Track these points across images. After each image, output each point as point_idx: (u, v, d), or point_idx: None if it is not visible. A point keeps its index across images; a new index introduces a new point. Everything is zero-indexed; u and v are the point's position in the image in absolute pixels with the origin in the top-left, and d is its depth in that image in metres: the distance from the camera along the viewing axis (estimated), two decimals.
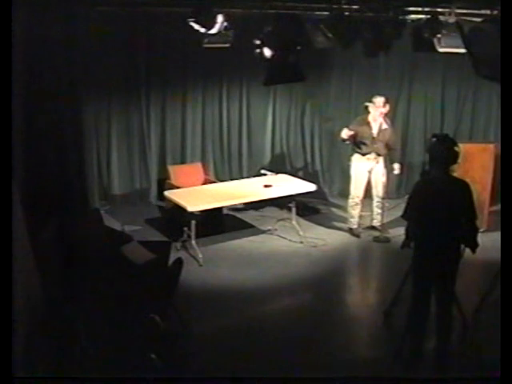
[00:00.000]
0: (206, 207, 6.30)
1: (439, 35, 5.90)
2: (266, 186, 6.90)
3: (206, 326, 4.98)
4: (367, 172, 6.92)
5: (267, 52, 5.38)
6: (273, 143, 8.62)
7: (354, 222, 7.10)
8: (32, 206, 4.25)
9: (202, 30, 5.58)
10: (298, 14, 5.74)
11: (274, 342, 4.74)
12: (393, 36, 6.01)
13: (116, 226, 6.32)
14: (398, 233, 6.13)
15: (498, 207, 6.91)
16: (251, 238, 7.01)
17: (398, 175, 8.31)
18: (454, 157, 4.13)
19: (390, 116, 7.45)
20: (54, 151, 6.79)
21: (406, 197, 4.57)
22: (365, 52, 6.25)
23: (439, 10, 6.07)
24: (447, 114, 8.58)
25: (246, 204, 7.39)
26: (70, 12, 6.27)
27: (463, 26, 4.98)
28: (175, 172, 7.63)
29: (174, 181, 7.43)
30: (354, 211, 7.04)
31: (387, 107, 6.87)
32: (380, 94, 6.96)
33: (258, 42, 5.46)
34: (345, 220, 7.34)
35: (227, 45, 6.17)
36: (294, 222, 7.01)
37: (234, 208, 7.60)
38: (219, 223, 7.22)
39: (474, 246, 4.11)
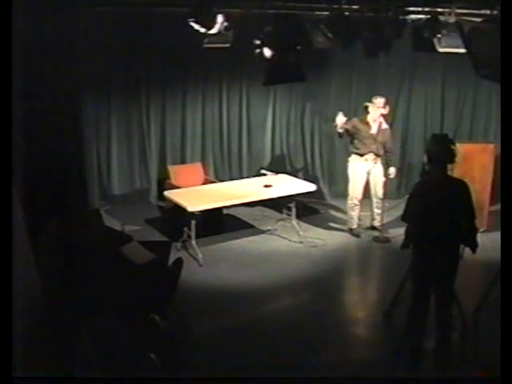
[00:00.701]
0: (205, 207, 6.30)
1: (439, 35, 5.90)
2: (266, 186, 6.90)
3: (206, 325, 4.98)
4: (366, 173, 6.91)
5: (267, 52, 5.38)
6: (273, 143, 8.62)
7: (353, 222, 7.10)
8: (32, 206, 4.25)
9: (202, 30, 5.58)
10: (298, 13, 5.75)
11: (274, 341, 4.74)
12: (393, 36, 6.01)
13: (116, 226, 6.32)
14: (398, 233, 6.12)
15: (497, 207, 6.91)
16: (251, 237, 7.01)
17: (397, 175, 8.36)
18: (451, 157, 4.13)
19: (390, 117, 7.47)
20: (54, 151, 6.78)
21: (406, 197, 4.57)
22: (365, 52, 6.26)
23: (439, 9, 6.07)
24: (447, 114, 8.58)
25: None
26: (70, 12, 6.26)
27: (463, 26, 4.99)
28: (175, 172, 7.63)
29: (174, 181, 7.43)
30: (354, 212, 7.04)
31: (387, 108, 6.87)
32: (380, 95, 6.96)
33: (258, 42, 5.47)
34: (345, 220, 7.34)
35: (227, 45, 6.17)
36: (293, 222, 7.01)
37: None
38: (219, 223, 7.22)
39: (473, 246, 4.11)
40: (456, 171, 6.70)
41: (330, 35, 5.86)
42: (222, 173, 8.46)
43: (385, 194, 7.01)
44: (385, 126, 6.91)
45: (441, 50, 5.99)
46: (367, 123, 6.81)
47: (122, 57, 7.61)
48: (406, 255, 4.42)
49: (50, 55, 6.29)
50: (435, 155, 4.10)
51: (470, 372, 4.19)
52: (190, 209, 6.12)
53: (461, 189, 4.09)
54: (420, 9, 6.23)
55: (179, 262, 4.55)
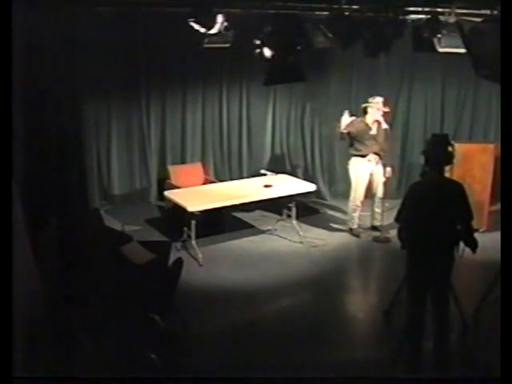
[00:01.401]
0: (206, 207, 6.30)
1: (439, 35, 5.89)
2: (266, 186, 6.90)
3: (206, 325, 4.98)
4: (368, 174, 6.90)
5: (267, 52, 5.38)
6: (273, 143, 8.62)
7: (354, 222, 7.10)
8: (32, 205, 4.25)
9: (202, 30, 5.58)
10: (297, 14, 5.74)
11: (274, 341, 4.74)
12: (393, 36, 6.01)
13: (116, 226, 6.32)
14: None
15: (497, 207, 6.91)
16: (251, 237, 7.01)
17: (398, 175, 8.37)
18: (448, 158, 4.12)
19: (390, 117, 7.46)
20: (54, 151, 6.78)
21: None
22: (365, 52, 6.25)
23: (439, 9, 6.06)
24: (447, 114, 8.58)
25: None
26: (70, 12, 6.27)
27: (463, 26, 4.98)
28: (175, 172, 7.63)
29: (174, 181, 7.43)
30: (355, 213, 7.04)
31: (387, 107, 6.87)
32: (378, 94, 6.96)
33: (258, 42, 5.46)
34: (345, 220, 7.34)
35: (227, 45, 6.17)
36: (294, 222, 7.01)
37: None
38: (219, 223, 7.22)
39: (473, 246, 4.10)
40: (456, 171, 6.74)
41: (329, 35, 5.85)
42: (222, 173, 8.46)
43: (385, 193, 7.01)
44: (384, 125, 6.90)
45: (441, 49, 5.99)
46: (367, 124, 6.81)
47: (122, 57, 7.60)
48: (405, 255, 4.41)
49: (49, 55, 6.30)
50: (432, 156, 4.09)
51: (469, 372, 4.19)
52: (190, 209, 6.12)
53: (457, 190, 4.06)
54: (420, 9, 6.22)
55: (179, 262, 4.55)
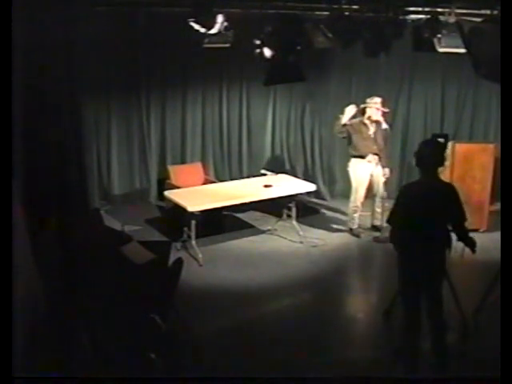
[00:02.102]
0: (206, 207, 6.30)
1: (439, 35, 5.89)
2: (266, 186, 6.90)
3: (206, 325, 4.98)
4: (369, 175, 6.90)
5: (267, 52, 5.38)
6: (273, 143, 8.62)
7: (354, 223, 7.10)
8: (32, 206, 4.25)
9: (202, 30, 5.58)
10: (298, 14, 5.75)
11: (274, 341, 4.74)
12: (393, 36, 6.01)
13: (116, 226, 6.32)
14: None
15: (497, 207, 6.91)
16: (251, 237, 7.01)
17: (398, 175, 8.37)
18: (438, 160, 4.09)
19: (390, 117, 7.46)
20: (54, 151, 6.78)
21: None
22: (365, 52, 6.25)
23: (439, 9, 6.07)
24: (447, 114, 8.57)
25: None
26: (70, 12, 6.26)
27: (463, 26, 4.98)
28: (175, 172, 7.63)
29: (174, 181, 7.43)
30: (355, 214, 7.05)
31: (386, 108, 6.87)
32: (377, 95, 6.96)
33: (258, 42, 5.46)
34: (344, 220, 7.34)
35: (227, 45, 6.17)
36: (294, 222, 7.01)
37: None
38: (219, 223, 7.22)
39: (472, 246, 4.09)
40: (456, 171, 6.76)
41: (329, 35, 5.85)
42: (222, 173, 8.46)
43: (386, 196, 7.00)
44: (384, 125, 6.90)
45: (441, 50, 5.99)
46: (365, 124, 6.80)
47: (122, 57, 7.60)
48: None
49: (49, 55, 6.29)
50: (422, 158, 4.06)
51: (469, 372, 4.19)
52: (190, 209, 6.12)
53: (449, 192, 4.03)
54: (420, 9, 6.23)
55: (179, 262, 4.55)
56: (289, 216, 7.08)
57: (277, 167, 8.09)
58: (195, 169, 7.89)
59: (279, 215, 7.20)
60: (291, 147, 8.63)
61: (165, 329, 4.32)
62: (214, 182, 7.61)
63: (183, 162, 8.21)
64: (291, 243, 6.85)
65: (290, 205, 7.00)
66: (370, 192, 7.06)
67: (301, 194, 7.48)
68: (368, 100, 6.83)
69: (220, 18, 5.62)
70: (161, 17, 6.96)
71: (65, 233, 4.73)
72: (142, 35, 7.53)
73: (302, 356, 4.51)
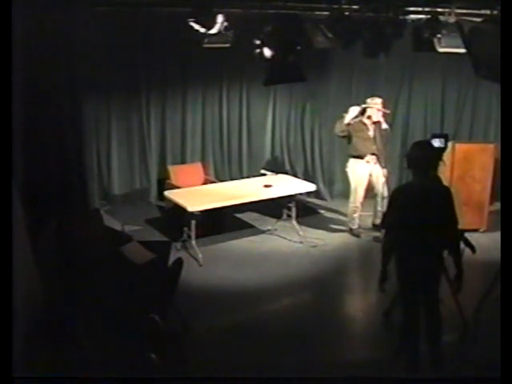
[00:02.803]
0: (206, 207, 6.30)
1: (439, 35, 5.89)
2: (266, 186, 6.90)
3: (206, 325, 4.98)
4: (367, 175, 6.90)
5: (267, 52, 5.38)
6: (273, 143, 8.62)
7: (354, 223, 7.10)
8: (32, 205, 4.25)
9: (202, 30, 5.58)
10: (298, 13, 5.75)
11: (274, 341, 4.74)
12: (393, 36, 6.01)
13: (116, 226, 6.32)
14: None
15: (497, 207, 6.91)
16: (251, 237, 7.01)
17: (398, 175, 8.36)
18: (429, 162, 4.05)
19: (390, 117, 7.46)
20: (54, 151, 6.78)
21: None
22: (365, 52, 6.25)
23: (439, 9, 6.07)
24: (447, 114, 8.57)
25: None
26: (70, 12, 6.27)
27: (463, 26, 4.98)
28: (175, 172, 7.63)
29: (174, 181, 7.43)
30: (355, 214, 7.04)
31: (386, 109, 6.87)
32: (378, 95, 6.95)
33: (258, 42, 5.46)
34: (344, 220, 7.34)
35: (227, 45, 6.17)
36: (294, 222, 7.01)
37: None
38: (219, 223, 7.22)
39: (471, 247, 4.09)
40: (456, 171, 6.75)
41: (330, 35, 5.86)
42: (222, 173, 8.46)
43: (387, 196, 6.99)
44: (384, 126, 6.90)
45: (441, 50, 5.99)
46: (365, 124, 6.80)
47: (122, 57, 7.60)
48: None
49: (49, 55, 6.30)
50: (412, 160, 4.04)
51: (470, 372, 4.19)
52: (190, 209, 6.12)
53: (442, 195, 4.00)
54: (420, 9, 6.23)
55: (179, 262, 4.55)
56: (289, 216, 7.08)
57: (277, 167, 8.09)
58: (195, 169, 7.89)
59: (279, 215, 7.21)
60: (291, 147, 8.63)
61: (165, 329, 4.32)
62: (214, 182, 7.61)
63: (183, 162, 8.20)
64: (291, 243, 6.85)
65: (290, 205, 7.00)
66: (370, 192, 7.05)
67: (301, 194, 7.48)
68: (369, 100, 6.82)
69: (220, 18, 5.62)
70: (161, 17, 6.96)
71: (65, 233, 4.73)
72: (142, 35, 7.53)
73: (302, 356, 4.50)
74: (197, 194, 6.69)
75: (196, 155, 8.30)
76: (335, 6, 5.80)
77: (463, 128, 8.60)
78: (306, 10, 6.11)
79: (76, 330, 4.13)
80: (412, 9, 6.25)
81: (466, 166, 6.78)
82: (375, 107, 6.76)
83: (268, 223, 7.33)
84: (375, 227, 7.14)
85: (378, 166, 6.88)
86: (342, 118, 6.81)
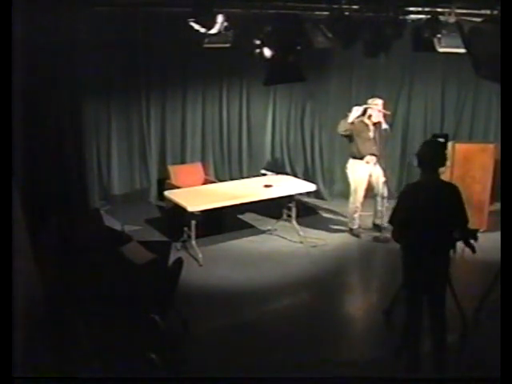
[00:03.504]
0: (206, 207, 6.30)
1: (439, 35, 5.89)
2: (266, 186, 6.90)
3: (206, 325, 4.98)
4: (367, 176, 6.90)
5: (267, 52, 5.38)
6: (273, 143, 8.63)
7: (354, 223, 7.10)
8: (32, 205, 4.25)
9: (202, 30, 5.58)
10: (297, 13, 5.74)
11: (274, 341, 4.74)
12: (393, 36, 6.00)
13: (116, 225, 6.32)
14: None
15: (497, 207, 6.91)
16: (251, 237, 7.01)
17: (398, 175, 8.37)
18: (440, 160, 4.09)
19: (390, 117, 7.46)
20: (54, 151, 6.79)
21: None
22: (365, 52, 6.25)
23: (439, 9, 6.06)
24: (447, 114, 8.58)
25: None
26: (70, 12, 6.26)
27: (463, 26, 4.98)
28: (175, 172, 7.63)
29: (174, 181, 7.44)
30: (355, 214, 7.05)
31: (387, 111, 6.87)
32: (378, 96, 6.95)
33: (258, 42, 5.46)
34: (345, 220, 7.34)
35: (227, 45, 6.17)
36: (294, 222, 7.01)
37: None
38: (219, 223, 7.22)
39: (472, 246, 4.09)
40: (456, 171, 6.75)
41: (329, 35, 5.85)
42: (222, 173, 8.46)
43: (387, 195, 7.00)
44: (385, 126, 6.90)
45: (441, 50, 5.99)
46: (366, 125, 6.80)
47: (122, 57, 7.61)
48: None
49: (50, 55, 6.30)
50: (424, 158, 4.06)
51: (469, 372, 4.19)
52: (190, 209, 6.12)
53: (452, 193, 4.03)
54: (420, 9, 6.22)
55: (179, 262, 4.55)
56: (289, 216, 7.08)
57: (277, 167, 8.10)
58: (195, 169, 7.89)
59: (279, 215, 7.21)
60: (291, 147, 8.63)
61: (165, 329, 4.32)
62: (214, 182, 7.61)
63: (183, 162, 8.21)
64: (291, 243, 6.85)
65: (290, 205, 7.00)
66: (370, 192, 7.06)
67: (301, 194, 7.48)
68: (369, 101, 6.83)
69: (220, 18, 5.61)
70: (161, 17, 6.95)
71: (65, 233, 4.73)
72: (142, 35, 7.53)
73: (302, 356, 4.50)
74: (197, 194, 6.69)
75: (196, 155, 8.31)
76: (335, 6, 5.79)
77: (463, 128, 8.61)
78: (305, 9, 6.10)
79: (76, 330, 4.12)
80: (412, 9, 6.24)
81: (466, 166, 6.78)
82: (376, 108, 6.76)
83: (268, 223, 7.34)
84: (375, 227, 7.15)
85: (377, 166, 6.89)
86: (346, 117, 6.81)
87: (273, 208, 7.29)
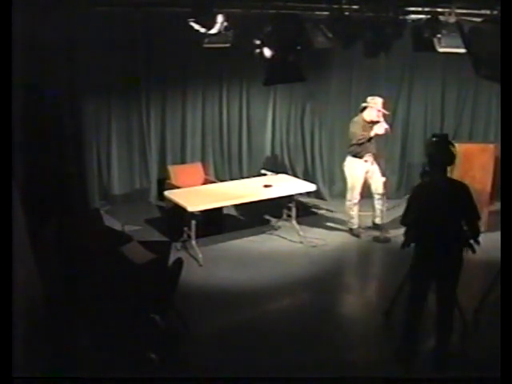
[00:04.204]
0: (206, 207, 6.30)
1: (439, 35, 5.89)
2: (266, 186, 6.90)
3: (206, 325, 4.98)
4: (364, 173, 6.90)
5: (267, 52, 5.38)
6: (273, 143, 8.62)
7: (354, 222, 7.10)
8: (32, 205, 4.25)
9: (202, 30, 5.58)
10: (297, 13, 5.74)
11: (274, 341, 4.74)
12: (393, 36, 6.00)
13: (116, 225, 6.32)
14: (398, 233, 6.12)
15: (497, 207, 6.91)
16: (251, 237, 7.01)
17: (398, 175, 8.37)
18: (450, 158, 4.11)
19: (390, 117, 7.45)
20: (54, 151, 6.78)
21: (406, 197, 4.55)
22: (365, 52, 6.25)
23: (439, 10, 6.06)
24: (447, 114, 8.58)
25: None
26: (70, 12, 6.27)
27: (463, 26, 4.98)
28: (175, 172, 7.63)
29: (174, 181, 7.43)
30: (353, 212, 7.04)
31: (386, 110, 6.87)
32: (378, 95, 6.95)
33: (258, 42, 5.46)
34: (344, 220, 7.33)
35: (227, 45, 6.17)
36: (293, 222, 7.01)
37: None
38: (219, 223, 7.22)
39: (471, 247, 4.10)
40: (456, 171, 6.73)
41: (330, 35, 5.85)
42: (222, 173, 8.46)
43: (385, 193, 7.00)
44: (384, 125, 6.88)
45: (441, 50, 5.98)
46: (365, 124, 6.79)
47: (122, 57, 7.60)
48: (406, 255, 4.42)
49: (50, 55, 6.30)
50: (435, 157, 4.08)
51: (469, 372, 4.19)
52: (190, 209, 6.12)
53: (463, 191, 4.06)
54: (420, 9, 6.22)
55: (179, 262, 4.55)
56: (289, 216, 7.08)
57: (277, 167, 8.10)
58: (195, 169, 7.88)
59: (279, 215, 7.21)
60: (291, 147, 8.63)
61: (165, 329, 4.32)
62: (214, 182, 7.61)
63: (183, 162, 8.21)
64: (291, 243, 6.85)
65: (290, 205, 7.00)
66: (368, 191, 7.05)
67: (301, 193, 7.48)
68: (369, 99, 6.81)
69: (220, 18, 5.61)
70: (161, 17, 6.96)
71: (65, 233, 4.73)
72: (142, 35, 7.53)
73: (302, 356, 4.50)
74: (197, 194, 6.69)
75: (196, 155, 8.31)
76: (335, 6, 5.79)
77: (463, 128, 8.61)
78: (306, 9, 6.10)
79: (76, 330, 4.13)
80: (412, 9, 6.24)
81: (466, 166, 6.77)
82: (375, 107, 6.76)
83: (268, 223, 7.33)
84: (375, 226, 7.15)
85: (375, 164, 6.89)
86: (352, 124, 6.79)
87: (273, 208, 7.29)
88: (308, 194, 7.97)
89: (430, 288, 4.14)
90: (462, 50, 4.35)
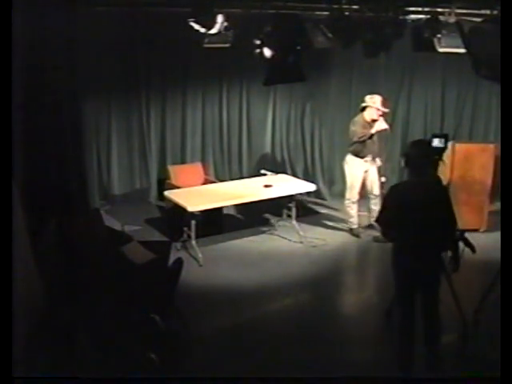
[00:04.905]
0: (206, 207, 6.30)
1: (439, 35, 5.89)
2: (266, 186, 6.90)
3: (206, 325, 4.98)
4: (363, 172, 6.90)
5: (267, 52, 5.38)
6: (273, 143, 8.62)
7: (353, 222, 7.10)
8: (32, 205, 4.25)
9: (202, 30, 5.58)
10: (297, 13, 5.75)
11: (274, 341, 4.74)
12: (393, 36, 6.01)
13: (116, 225, 6.32)
14: None
15: (497, 207, 6.91)
16: (251, 237, 7.01)
17: (398, 175, 8.36)
18: (427, 160, 4.05)
19: (390, 117, 7.45)
20: (54, 151, 6.78)
21: None
22: (365, 52, 6.25)
23: (439, 9, 6.07)
24: (447, 114, 8.58)
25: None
26: (70, 12, 6.27)
27: (463, 26, 4.98)
28: (175, 172, 7.63)
29: (174, 181, 7.43)
30: (352, 211, 7.04)
31: (386, 108, 6.86)
32: (376, 93, 6.93)
33: (258, 42, 5.46)
34: (344, 220, 7.33)
35: (227, 45, 6.17)
36: (293, 222, 7.01)
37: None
38: (219, 223, 7.23)
39: (471, 247, 4.08)
40: (456, 171, 6.75)
41: (329, 35, 5.85)
42: (222, 173, 8.46)
43: (381, 195, 6.99)
44: (384, 125, 6.88)
45: (441, 50, 5.99)
46: (365, 124, 6.79)
47: (122, 57, 7.60)
48: None
49: (50, 55, 6.29)
50: (410, 159, 4.04)
51: (470, 372, 4.19)
52: (190, 209, 6.12)
53: (439, 194, 4.00)
54: (420, 9, 6.23)
55: (179, 262, 4.55)
56: (289, 216, 7.08)
57: (277, 167, 8.10)
58: (195, 169, 7.88)
59: (279, 215, 7.21)
60: (291, 147, 8.63)
61: (165, 329, 4.32)
62: (214, 182, 7.61)
63: (183, 162, 8.21)
64: (291, 243, 6.85)
65: (290, 205, 7.00)
66: (365, 191, 7.04)
67: (301, 193, 7.48)
68: (368, 97, 6.80)
69: (220, 18, 5.61)
70: (161, 17, 6.96)
71: (65, 233, 4.73)
72: (142, 35, 7.53)
73: (302, 356, 4.50)
74: (197, 194, 6.69)
75: (196, 155, 8.31)
76: (335, 6, 5.79)
77: (463, 128, 8.61)
78: (306, 9, 6.10)
79: (76, 330, 4.13)
80: (412, 9, 6.25)
81: (466, 166, 6.78)
82: (374, 106, 6.75)
83: (268, 223, 7.33)
84: (372, 226, 7.14)
85: (374, 165, 6.89)
86: (352, 122, 6.79)
87: (273, 208, 7.29)
88: (308, 193, 7.97)
89: (413, 287, 4.09)
90: (462, 50, 4.35)
